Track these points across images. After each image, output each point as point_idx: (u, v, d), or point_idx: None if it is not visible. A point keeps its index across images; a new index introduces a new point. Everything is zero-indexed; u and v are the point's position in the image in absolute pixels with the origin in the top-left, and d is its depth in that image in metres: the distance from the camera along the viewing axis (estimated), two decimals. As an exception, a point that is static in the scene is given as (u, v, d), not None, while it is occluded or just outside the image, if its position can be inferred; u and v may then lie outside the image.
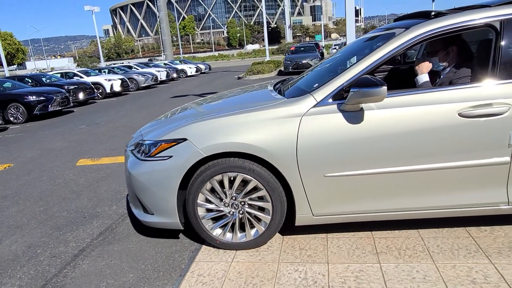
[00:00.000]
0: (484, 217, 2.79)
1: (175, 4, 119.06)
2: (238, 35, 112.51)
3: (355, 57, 2.89)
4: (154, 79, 21.33)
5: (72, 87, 14.67)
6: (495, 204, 2.47)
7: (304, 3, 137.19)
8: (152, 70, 22.87)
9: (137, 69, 23.04)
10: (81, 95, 14.89)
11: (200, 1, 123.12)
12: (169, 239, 3.05)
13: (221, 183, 2.64)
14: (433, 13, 2.65)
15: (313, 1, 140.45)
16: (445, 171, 2.41)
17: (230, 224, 2.73)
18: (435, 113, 2.36)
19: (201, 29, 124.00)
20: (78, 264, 2.82)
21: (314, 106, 2.50)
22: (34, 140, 8.55)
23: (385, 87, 2.24)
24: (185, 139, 2.61)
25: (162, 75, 23.08)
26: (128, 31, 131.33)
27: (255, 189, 2.62)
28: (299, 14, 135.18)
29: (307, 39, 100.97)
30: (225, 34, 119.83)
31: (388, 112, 2.40)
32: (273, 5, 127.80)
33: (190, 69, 28.62)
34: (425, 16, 2.68)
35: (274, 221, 2.65)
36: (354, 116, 2.42)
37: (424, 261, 2.41)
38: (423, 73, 2.85)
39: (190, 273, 2.53)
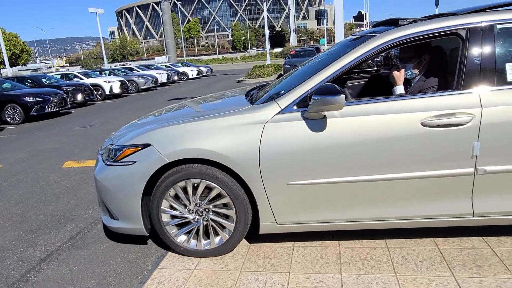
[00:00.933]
0: (453, 228, 2.75)
1: (180, 7, 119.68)
2: (243, 38, 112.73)
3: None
4: (154, 81, 21.39)
5: (70, 88, 14.74)
6: (460, 215, 2.43)
7: (309, 7, 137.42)
8: (153, 72, 22.95)
9: (137, 71, 23.13)
10: (79, 97, 14.95)
11: (206, 4, 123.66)
12: (136, 245, 3.02)
13: (184, 189, 2.61)
14: (401, 21, 2.62)
15: (318, 5, 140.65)
16: (408, 181, 2.38)
17: (194, 231, 2.70)
18: (397, 122, 2.32)
19: (206, 32, 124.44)
20: (43, 269, 2.80)
21: (278, 113, 2.47)
22: (27, 141, 8.57)
23: (343, 96, 2.21)
24: (149, 145, 2.59)
25: (162, 78, 23.14)
26: (134, 33, 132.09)
27: (219, 196, 2.59)
28: (304, 18, 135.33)
29: (312, 43, 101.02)
30: (230, 37, 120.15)
31: (351, 120, 2.37)
32: (278, 9, 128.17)
33: (192, 72, 28.69)
34: (393, 23, 2.65)
35: (238, 229, 2.62)
36: (317, 123, 2.39)
37: (386, 273, 2.36)
38: (398, 84, 2.82)
39: (150, 280, 2.50)
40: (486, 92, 2.28)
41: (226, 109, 2.67)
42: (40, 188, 4.90)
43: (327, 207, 2.50)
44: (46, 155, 6.93)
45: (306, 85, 2.48)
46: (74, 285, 2.56)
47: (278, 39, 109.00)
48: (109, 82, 17.42)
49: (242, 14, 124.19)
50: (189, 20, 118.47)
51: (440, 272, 2.32)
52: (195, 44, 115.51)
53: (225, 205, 2.61)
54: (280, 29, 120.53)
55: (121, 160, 2.65)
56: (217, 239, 2.69)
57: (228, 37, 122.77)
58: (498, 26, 2.35)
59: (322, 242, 2.80)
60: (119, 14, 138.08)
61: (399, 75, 2.82)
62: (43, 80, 15.94)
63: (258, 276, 2.45)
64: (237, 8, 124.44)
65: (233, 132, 2.48)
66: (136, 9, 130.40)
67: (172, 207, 2.66)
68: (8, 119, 11.85)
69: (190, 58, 70.49)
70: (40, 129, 10.26)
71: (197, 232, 2.70)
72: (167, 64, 29.90)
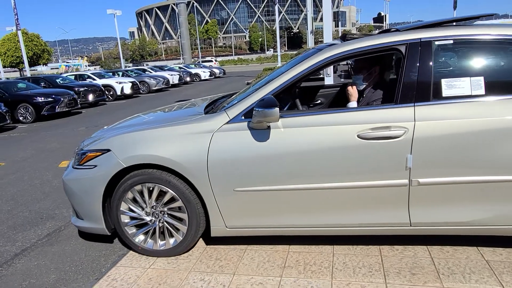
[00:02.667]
0: (400, 237, 2.83)
1: (199, 8, 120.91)
2: (260, 39, 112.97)
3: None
4: (166, 82, 21.79)
5: (82, 89, 15.21)
6: (398, 224, 2.52)
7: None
8: (165, 73, 23.38)
9: (150, 72, 23.60)
10: (90, 97, 15.41)
11: (224, 5, 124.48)
12: (103, 243, 3.21)
13: (141, 193, 2.78)
14: (348, 36, 2.73)
15: (337, 7, 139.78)
16: (347, 190, 2.48)
17: (151, 232, 2.87)
18: (336, 134, 2.43)
19: (224, 33, 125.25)
20: (14, 263, 3.02)
21: (227, 123, 2.61)
22: (33, 140, 8.95)
23: (276, 109, 2.34)
24: (109, 150, 2.77)
25: (174, 79, 23.54)
26: (153, 33, 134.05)
27: (173, 200, 2.75)
28: (322, 19, 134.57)
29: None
30: (247, 39, 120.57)
31: (292, 131, 2.49)
32: (296, 11, 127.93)
33: (204, 73, 29.07)
34: (342, 38, 2.76)
35: (190, 232, 2.77)
36: (261, 134, 2.52)
37: (323, 277, 2.47)
38: (351, 100, 2.93)
39: (106, 277, 2.68)
40: (421, 106, 2.36)
41: (181, 118, 2.83)
42: (33, 186, 5.17)
43: (271, 214, 2.62)
44: (47, 154, 7.25)
45: (253, 97, 2.62)
46: (37, 278, 2.76)
47: (295, 40, 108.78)
48: (120, 83, 17.87)
49: (260, 16, 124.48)
50: (207, 21, 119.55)
51: (374, 279, 2.41)
52: (213, 45, 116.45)
53: (178, 209, 2.77)
54: (297, 30, 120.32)
55: (85, 164, 2.84)
56: (172, 240, 2.85)
57: (245, 38, 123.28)
58: (436, 43, 2.43)
59: (273, 246, 2.92)
60: (139, 15, 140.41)
61: (353, 92, 2.93)
62: (57, 80, 16.49)
63: (204, 277, 2.59)
64: (255, 9, 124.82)
65: (184, 140, 2.64)
66: (155, 10, 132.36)
67: (130, 209, 2.84)
68: (21, 118, 12.33)
69: (206, 59, 71.12)
70: (48, 129, 10.66)
71: (154, 233, 2.87)
72: (181, 66, 30.35)
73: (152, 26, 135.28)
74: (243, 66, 58.67)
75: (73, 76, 18.81)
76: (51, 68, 69.83)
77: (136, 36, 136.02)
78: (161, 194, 2.76)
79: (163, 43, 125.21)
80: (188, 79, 26.44)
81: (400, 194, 2.43)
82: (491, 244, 2.69)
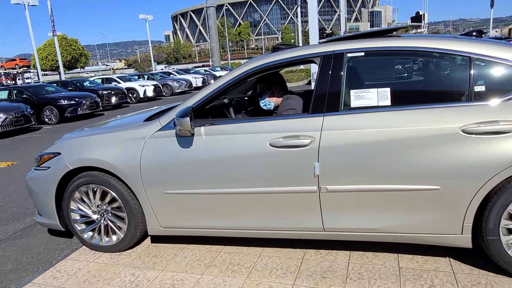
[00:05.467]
0: (328, 241, 2.92)
1: (232, 10, 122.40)
2: (292, 41, 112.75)
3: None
4: (188, 85, 22.40)
5: (105, 92, 16.01)
6: (312, 229, 2.62)
7: (362, 9, 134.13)
8: (189, 76, 24.03)
9: (174, 75, 24.32)
10: (113, 99, 16.18)
11: (256, 8, 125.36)
12: (63, 238, 3.52)
13: (87, 193, 3.05)
14: (281, 47, 2.86)
15: (372, 7, 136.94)
16: (263, 195, 2.61)
17: (97, 229, 3.13)
18: (250, 142, 2.57)
19: (256, 35, 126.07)
20: (-16, 253, 3.38)
21: (159, 130, 2.83)
22: (52, 141, 9.57)
23: (186, 118, 2.52)
24: (59, 153, 3.06)
25: (198, 82, 24.13)
26: (187, 36, 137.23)
27: (114, 200, 2.99)
28: (356, 20, 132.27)
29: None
30: (280, 40, 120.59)
31: (213, 139, 2.66)
32: (329, 11, 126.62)
33: (229, 76, 29.50)
34: (274, 49, 2.90)
35: (130, 230, 3.00)
36: (186, 140, 2.71)
37: (239, 277, 2.62)
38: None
39: (52, 268, 2.96)
40: (330, 117, 2.46)
41: (125, 125, 3.07)
42: (31, 184, 5.61)
43: (199, 215, 2.80)
44: (56, 154, 7.76)
45: (182, 105, 2.81)
46: (-5, 267, 3.09)
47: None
48: (143, 86, 18.61)
49: (292, 17, 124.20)
50: (240, 24, 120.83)
51: (284, 280, 2.53)
52: (245, 47, 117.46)
53: (119, 209, 3.01)
54: (330, 31, 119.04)
55: (41, 166, 3.15)
56: (115, 237, 3.10)
57: (277, 40, 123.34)
58: (348, 55, 2.52)
59: (209, 246, 3.10)
60: (174, 18, 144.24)
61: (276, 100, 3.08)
62: (85, 84, 17.44)
63: (135, 271, 2.81)
64: (287, 11, 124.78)
65: (122, 145, 2.88)
66: (190, 13, 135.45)
67: (79, 208, 3.11)
68: (46, 120, 13.19)
69: (237, 61, 71.94)
70: (70, 130, 11.27)
71: (100, 230, 3.12)
72: (206, 69, 31.00)
73: (187, 29, 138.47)
74: (273, 68, 58.77)
75: (100, 79, 19.76)
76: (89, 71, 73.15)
77: (171, 39, 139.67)
78: (104, 194, 3.01)
79: (197, 46, 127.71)
80: (212, 81, 26.95)
81: (312, 200, 2.54)
82: (412, 252, 2.72)
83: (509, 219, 2.26)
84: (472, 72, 2.30)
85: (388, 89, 2.41)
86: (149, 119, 3.08)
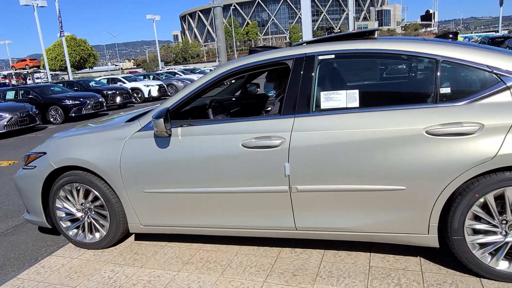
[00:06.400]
0: (304, 240, 2.97)
1: (239, 10, 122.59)
2: (300, 40, 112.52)
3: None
4: (193, 85, 22.51)
5: (110, 92, 16.21)
6: (284, 228, 2.68)
7: (370, 8, 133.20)
8: (194, 76, 24.18)
9: (180, 75, 24.50)
10: (118, 99, 16.38)
11: (264, 7, 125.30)
12: (51, 235, 3.62)
13: (71, 192, 3.14)
14: (257, 49, 2.92)
15: (381, 6, 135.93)
16: (237, 195, 2.68)
17: (81, 226, 3.22)
18: (223, 142, 2.64)
19: (264, 35, 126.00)
20: (-25, 249, 3.50)
21: (139, 130, 2.91)
22: (53, 140, 9.76)
23: (160, 120, 2.59)
24: (45, 153, 3.16)
25: (203, 81, 24.23)
26: (195, 36, 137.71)
27: (96, 199, 3.08)
28: (365, 19, 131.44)
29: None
30: (287, 40, 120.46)
31: (189, 139, 2.73)
32: (337, 10, 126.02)
33: (235, 76, 29.61)
34: (250, 52, 2.96)
35: (112, 228, 3.09)
36: (163, 141, 2.79)
37: (214, 274, 2.69)
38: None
39: (37, 264, 3.06)
40: (300, 118, 2.52)
41: (108, 126, 3.16)
42: (29, 182, 5.75)
43: (175, 214, 2.88)
44: (57, 153, 7.92)
45: (159, 107, 2.89)
46: (-16, 263, 3.20)
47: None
48: (148, 86, 18.79)
49: (300, 16, 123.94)
50: (247, 23, 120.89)
51: (256, 277, 2.60)
52: (253, 46, 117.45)
53: (101, 207, 3.10)
54: (339, 30, 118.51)
55: (28, 165, 3.25)
56: (98, 235, 3.19)
57: (285, 40, 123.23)
58: (319, 57, 2.57)
59: (189, 244, 3.17)
60: (183, 18, 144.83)
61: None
62: (91, 84, 17.67)
63: (115, 268, 2.90)
64: (295, 10, 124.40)
65: (104, 145, 2.96)
66: (198, 13, 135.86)
67: (64, 206, 3.21)
68: (51, 119, 13.41)
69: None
70: (72, 129, 11.52)
71: (84, 227, 3.22)
72: (212, 69, 31.16)
73: (195, 29, 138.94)
74: (280, 68, 58.79)
75: (106, 79, 20.00)
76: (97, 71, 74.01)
77: (180, 39, 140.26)
78: (88, 193, 3.10)
79: (205, 46, 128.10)
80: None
81: (283, 200, 2.60)
82: (385, 251, 2.76)
83: (473, 219, 2.29)
84: (438, 74, 2.33)
85: (356, 91, 2.46)
86: (131, 120, 3.17)
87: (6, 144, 9.95)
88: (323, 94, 2.52)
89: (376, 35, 2.81)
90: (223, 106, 3.58)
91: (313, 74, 2.55)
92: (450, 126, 2.22)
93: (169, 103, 2.86)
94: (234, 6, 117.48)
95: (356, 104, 2.45)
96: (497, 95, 2.22)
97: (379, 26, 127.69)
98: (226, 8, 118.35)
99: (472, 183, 2.23)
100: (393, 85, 2.80)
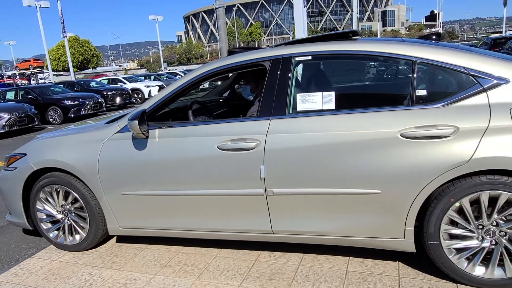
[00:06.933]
0: (284, 244, 2.94)
1: (243, 11, 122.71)
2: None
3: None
4: (194, 85, 22.53)
5: (110, 92, 16.26)
6: (261, 231, 2.65)
7: (374, 8, 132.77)
8: (195, 77, 24.19)
9: (181, 76, 24.51)
10: (118, 100, 16.42)
11: (268, 8, 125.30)
12: (34, 237, 3.61)
13: (51, 193, 3.13)
14: (235, 51, 2.89)
15: (385, 6, 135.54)
16: (214, 197, 2.65)
17: (61, 228, 3.21)
18: (199, 145, 2.61)
19: (267, 35, 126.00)
20: (-42, 250, 3.49)
21: (117, 132, 2.89)
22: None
23: (135, 122, 2.57)
24: (25, 154, 3.15)
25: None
26: (199, 37, 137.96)
27: (76, 200, 3.07)
28: (368, 19, 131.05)
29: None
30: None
31: (166, 141, 2.71)
32: (341, 11, 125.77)
33: (236, 76, 29.63)
34: (229, 53, 2.93)
35: (91, 230, 3.07)
36: (141, 143, 2.77)
37: (190, 277, 2.66)
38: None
39: (17, 266, 3.05)
40: (276, 120, 2.48)
41: (87, 128, 3.15)
42: (20, 183, 5.75)
43: (153, 216, 2.85)
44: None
45: (137, 109, 2.86)
46: (-36, 264, 3.19)
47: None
48: (148, 86, 18.82)
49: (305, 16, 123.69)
50: (251, 24, 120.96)
51: (231, 281, 2.56)
52: (257, 47, 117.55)
53: (81, 209, 3.08)
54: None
55: (9, 166, 3.24)
56: (78, 236, 3.17)
57: (289, 40, 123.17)
58: (296, 59, 2.54)
59: (169, 247, 3.14)
60: (187, 19, 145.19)
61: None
62: (91, 84, 17.72)
63: (93, 270, 2.88)
64: (302, 10, 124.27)
65: (82, 147, 2.95)
66: (202, 14, 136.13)
67: (44, 208, 3.19)
68: (51, 120, 13.46)
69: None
70: (70, 130, 11.55)
71: (64, 229, 3.20)
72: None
73: (199, 30, 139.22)
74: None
75: (107, 80, 20.06)
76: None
77: (183, 40, 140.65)
78: (67, 195, 3.08)
79: (208, 46, 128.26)
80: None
81: (260, 203, 2.56)
82: (364, 256, 2.72)
83: (449, 224, 2.25)
84: (414, 76, 2.29)
85: (332, 93, 2.42)
86: (112, 121, 3.15)
87: (4, 145, 9.98)
88: (299, 96, 2.48)
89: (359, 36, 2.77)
90: (207, 108, 3.56)
91: (289, 75, 2.52)
92: (425, 129, 2.17)
93: (147, 105, 2.84)
94: (238, 6, 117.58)
95: (332, 106, 2.41)
96: (473, 97, 2.17)
97: (383, 26, 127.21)
98: (229, 8, 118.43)
99: (447, 187, 2.19)
100: (370, 87, 2.76)
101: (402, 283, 2.38)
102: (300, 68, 2.54)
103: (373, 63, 2.64)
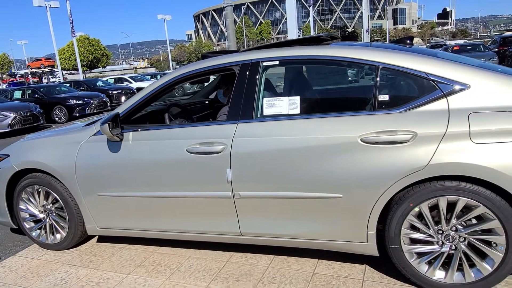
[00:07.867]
0: (257, 246, 2.97)
1: (253, 9, 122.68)
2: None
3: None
4: (200, 85, 22.66)
5: (115, 91, 16.47)
6: (230, 233, 2.69)
7: (385, 6, 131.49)
8: (201, 76, 24.32)
9: (187, 75, 24.68)
10: (123, 99, 16.60)
11: (278, 6, 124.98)
12: (20, 235, 3.71)
13: (32, 193, 3.22)
14: (208, 55, 2.93)
15: (396, 4, 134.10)
16: (183, 199, 2.70)
17: (43, 227, 3.30)
18: (169, 148, 2.66)
19: (277, 34, 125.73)
20: None
21: (94, 134, 2.96)
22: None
23: (105, 125, 2.63)
24: (8, 155, 3.24)
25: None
26: (209, 36, 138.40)
27: (56, 200, 3.15)
28: (379, 17, 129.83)
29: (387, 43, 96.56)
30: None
31: (138, 144, 2.77)
32: (352, 9, 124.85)
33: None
34: (202, 57, 2.97)
35: (71, 229, 3.15)
36: (115, 145, 2.83)
37: (161, 277, 2.72)
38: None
39: (-1, 263, 3.15)
40: (243, 124, 2.52)
41: (66, 130, 3.23)
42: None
43: (127, 217, 2.92)
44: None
45: (112, 112, 2.93)
46: (-50, 261, 3.30)
47: (350, 39, 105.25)
48: (153, 85, 18.97)
49: (314, 15, 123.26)
50: (261, 23, 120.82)
51: (200, 282, 2.61)
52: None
53: (61, 209, 3.16)
54: (353, 29, 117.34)
55: (-7, 167, 3.34)
56: (59, 236, 3.25)
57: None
58: (264, 63, 2.57)
59: (147, 247, 3.21)
60: (196, 18, 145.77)
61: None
62: (98, 84, 17.96)
63: (70, 269, 2.96)
64: (309, 9, 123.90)
65: (60, 148, 3.03)
66: (212, 12, 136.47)
67: (27, 207, 3.28)
68: (56, 119, 13.69)
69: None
70: (74, 129, 11.74)
71: (46, 228, 3.29)
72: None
73: (208, 29, 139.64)
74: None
75: (113, 79, 20.30)
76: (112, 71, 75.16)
77: (194, 39, 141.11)
78: (48, 195, 3.17)
79: (218, 45, 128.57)
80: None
81: (228, 206, 2.61)
82: (333, 258, 2.75)
83: (410, 228, 2.26)
84: (377, 81, 2.30)
85: (298, 98, 2.45)
86: (90, 124, 3.22)
87: (9, 143, 10.17)
88: (265, 101, 2.52)
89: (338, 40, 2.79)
90: (187, 111, 3.61)
91: (257, 80, 2.55)
92: (385, 134, 2.19)
93: (121, 108, 2.91)
94: (247, 5, 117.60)
95: (297, 110, 2.44)
96: (433, 103, 2.18)
97: (394, 24, 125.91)
98: (238, 7, 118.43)
99: (407, 192, 2.20)
100: (336, 91, 2.78)
101: (365, 286, 2.40)
102: (267, 72, 2.57)
103: (339, 68, 2.66)
